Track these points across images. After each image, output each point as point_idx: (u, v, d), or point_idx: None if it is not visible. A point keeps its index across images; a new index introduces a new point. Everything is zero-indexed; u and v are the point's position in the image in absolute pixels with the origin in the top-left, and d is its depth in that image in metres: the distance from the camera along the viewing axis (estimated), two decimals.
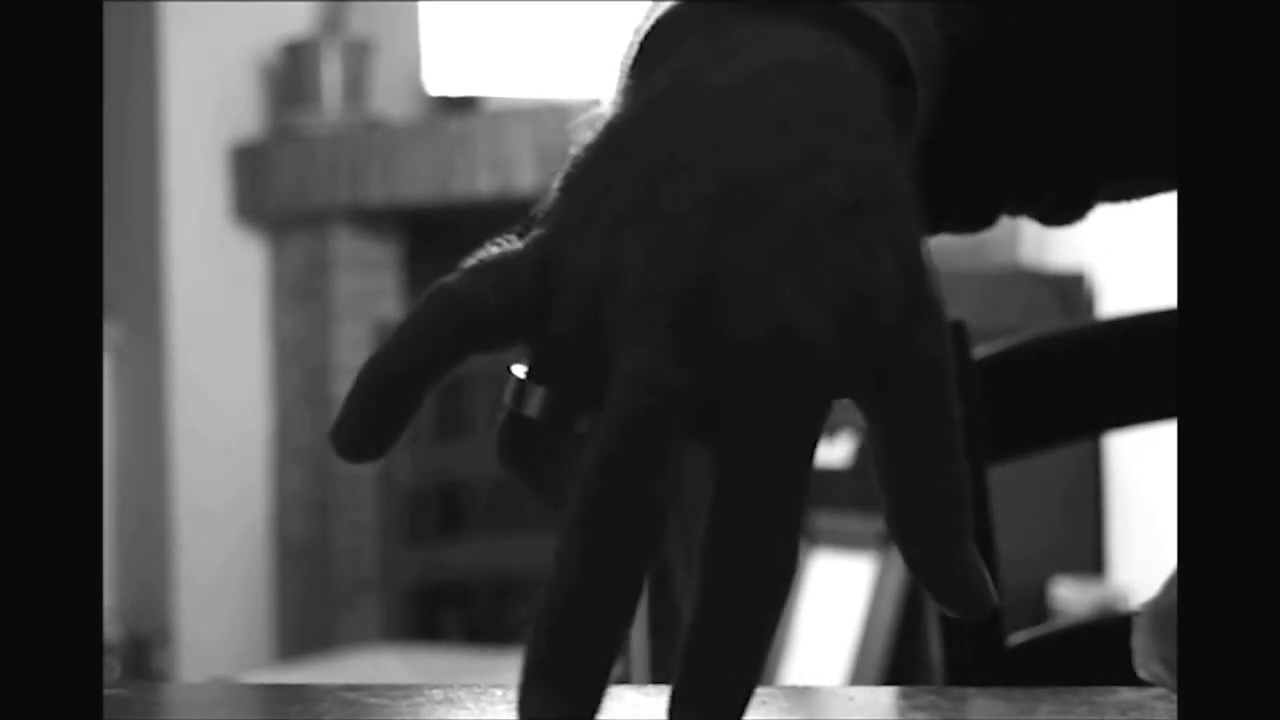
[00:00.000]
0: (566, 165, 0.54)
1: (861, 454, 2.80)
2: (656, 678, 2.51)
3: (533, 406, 0.53)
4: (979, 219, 0.70)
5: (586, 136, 0.54)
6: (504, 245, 0.54)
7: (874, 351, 0.52)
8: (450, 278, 0.53)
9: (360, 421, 0.53)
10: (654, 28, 0.56)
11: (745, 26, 0.55)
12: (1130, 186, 0.73)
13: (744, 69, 0.54)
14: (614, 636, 0.48)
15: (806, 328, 0.50)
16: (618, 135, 0.54)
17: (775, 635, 0.48)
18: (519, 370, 0.54)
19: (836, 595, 2.76)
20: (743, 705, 0.48)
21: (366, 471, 3.44)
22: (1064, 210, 0.72)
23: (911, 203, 0.54)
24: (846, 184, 0.52)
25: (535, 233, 0.54)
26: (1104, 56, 0.68)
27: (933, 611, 1.00)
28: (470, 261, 0.54)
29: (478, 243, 0.55)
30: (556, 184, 0.54)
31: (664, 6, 0.57)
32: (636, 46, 0.56)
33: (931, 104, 0.62)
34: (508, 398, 0.54)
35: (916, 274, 0.53)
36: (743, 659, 0.48)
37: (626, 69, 0.56)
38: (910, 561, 0.53)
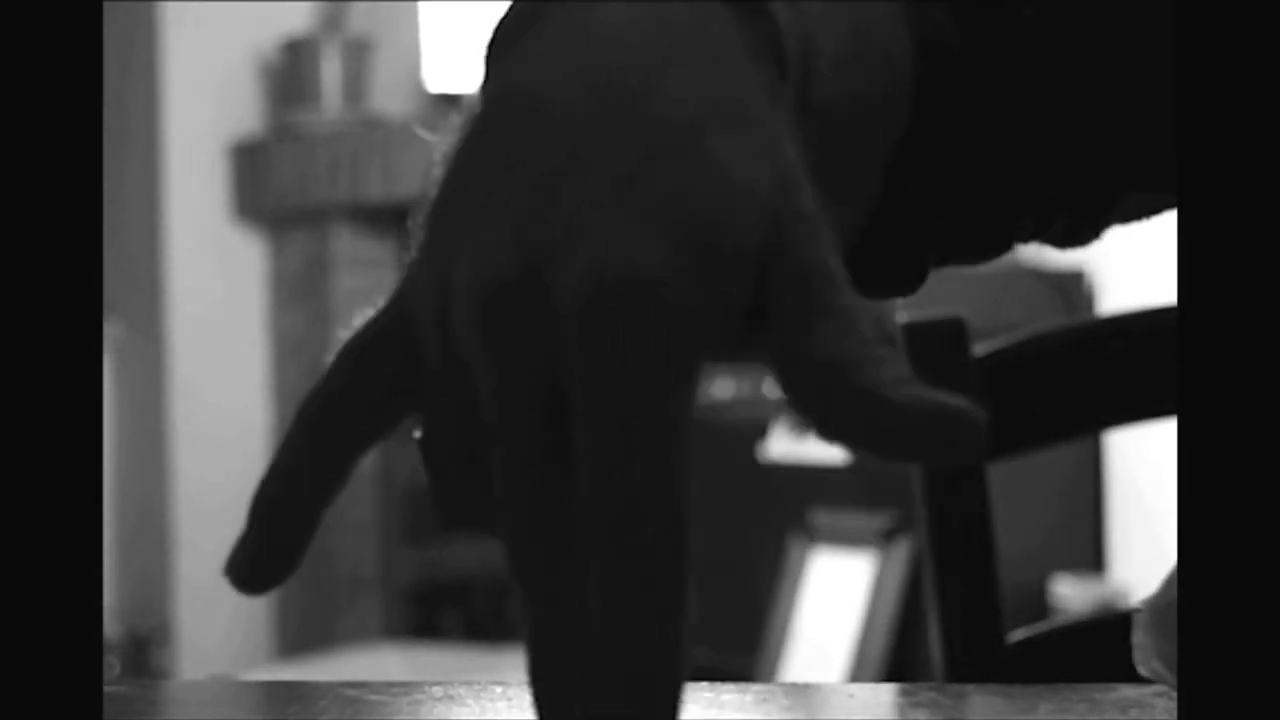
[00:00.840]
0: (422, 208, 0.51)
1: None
2: None
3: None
4: (992, 245, 0.69)
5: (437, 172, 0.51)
6: (367, 312, 0.51)
7: (737, 272, 0.47)
8: (318, 380, 0.51)
9: (250, 555, 0.51)
10: (497, 30, 0.52)
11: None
12: (1147, 203, 0.72)
13: (549, 39, 0.50)
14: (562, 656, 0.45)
15: (644, 265, 0.45)
16: (452, 161, 0.50)
17: (683, 622, 0.44)
18: (417, 431, 0.50)
19: (836, 593, 2.76)
20: (665, 699, 0.44)
21: (367, 471, 3.44)
22: (1079, 232, 0.70)
23: (780, 124, 0.49)
24: (680, 105, 0.48)
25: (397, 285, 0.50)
26: (1103, 62, 0.67)
27: (933, 609, 1.00)
28: (336, 346, 0.51)
29: None
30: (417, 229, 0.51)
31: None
32: (485, 52, 0.52)
33: (898, 103, 0.60)
34: (418, 461, 0.50)
35: (785, 186, 0.48)
36: (645, 664, 0.44)
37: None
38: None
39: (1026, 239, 0.69)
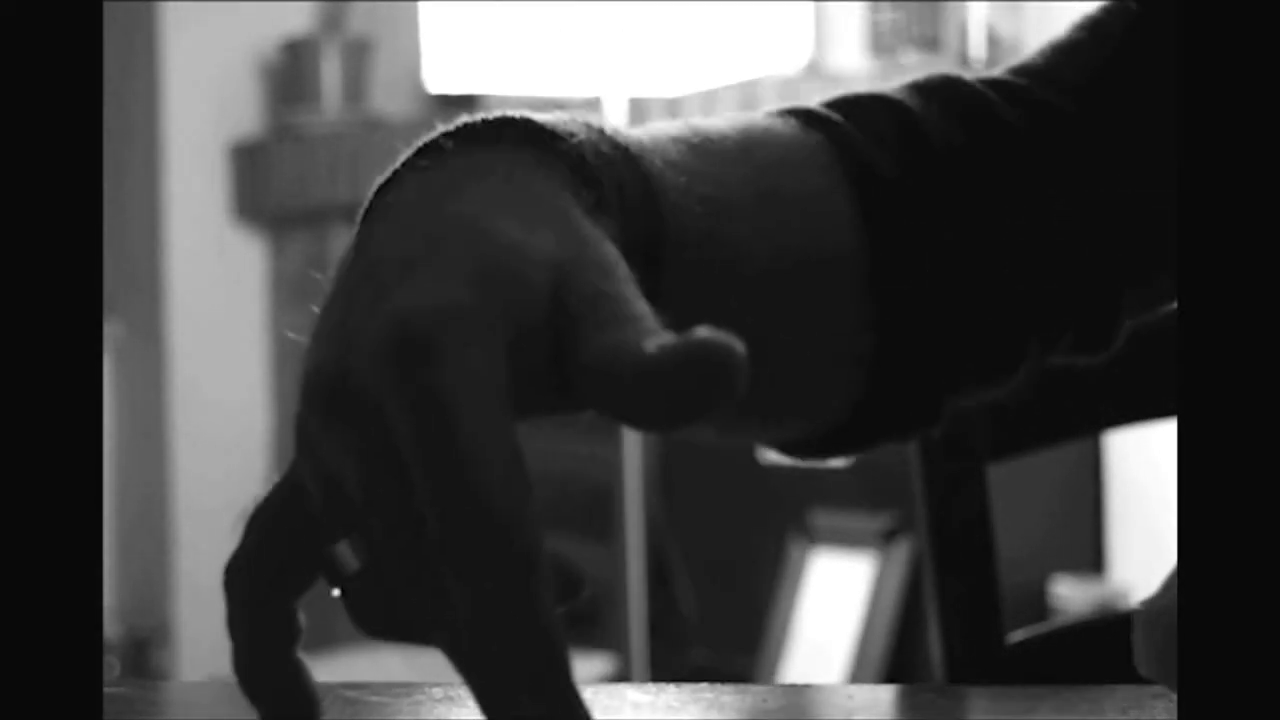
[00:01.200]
0: None
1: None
2: (656, 676, 2.51)
3: (349, 564, 0.53)
4: (1003, 372, 0.68)
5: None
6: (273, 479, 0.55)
7: (517, 302, 0.50)
8: (233, 551, 0.56)
9: (275, 712, 0.55)
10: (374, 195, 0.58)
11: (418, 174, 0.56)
12: (1154, 294, 0.71)
13: (402, 186, 0.56)
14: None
15: (420, 314, 0.49)
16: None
17: (532, 626, 0.46)
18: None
19: (836, 594, 2.76)
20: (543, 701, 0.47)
21: None
22: (1091, 341, 0.70)
23: (573, 210, 0.54)
24: (472, 204, 0.53)
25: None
26: (1046, 177, 0.67)
27: (933, 609, 1.00)
28: (244, 515, 0.56)
29: None
30: None
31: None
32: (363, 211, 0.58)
33: (830, 238, 0.62)
34: (328, 577, 0.54)
35: (569, 243, 0.52)
36: (514, 669, 0.47)
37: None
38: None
39: (1038, 361, 0.69)
